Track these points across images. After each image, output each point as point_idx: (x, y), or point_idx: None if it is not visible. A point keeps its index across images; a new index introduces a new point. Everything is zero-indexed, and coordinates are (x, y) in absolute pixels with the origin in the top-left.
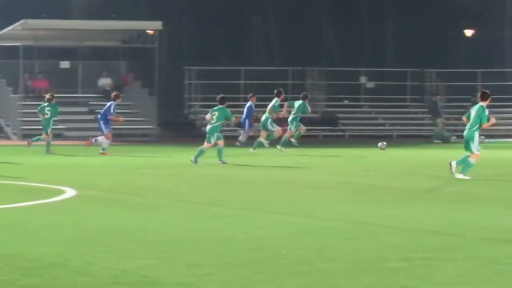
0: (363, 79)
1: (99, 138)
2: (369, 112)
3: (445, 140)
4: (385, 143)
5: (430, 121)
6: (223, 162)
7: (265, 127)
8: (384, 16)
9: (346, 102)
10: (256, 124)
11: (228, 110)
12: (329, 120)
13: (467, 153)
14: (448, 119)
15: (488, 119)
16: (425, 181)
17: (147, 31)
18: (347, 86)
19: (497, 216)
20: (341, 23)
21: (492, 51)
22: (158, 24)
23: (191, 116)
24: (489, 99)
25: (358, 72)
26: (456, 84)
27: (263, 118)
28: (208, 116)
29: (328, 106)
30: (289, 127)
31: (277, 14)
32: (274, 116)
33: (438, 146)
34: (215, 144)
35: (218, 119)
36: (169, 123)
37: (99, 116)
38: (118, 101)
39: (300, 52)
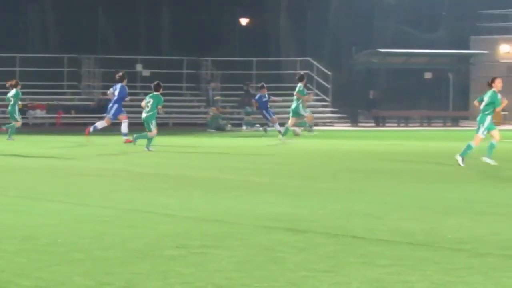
0: (139, 67)
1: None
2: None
3: (220, 129)
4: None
5: (206, 110)
6: (149, 150)
7: (297, 113)
8: (160, 4)
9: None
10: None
11: (162, 97)
12: (106, 108)
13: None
14: (224, 107)
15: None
16: (202, 169)
17: None
18: None
19: (272, 204)
20: (117, 10)
21: (267, 40)
22: None
23: None
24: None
25: (134, 60)
26: (231, 72)
27: (293, 105)
28: (143, 103)
29: (104, 94)
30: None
31: (53, 1)
32: (305, 100)
33: (214, 134)
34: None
35: (153, 106)
36: None
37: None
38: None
39: (76, 40)
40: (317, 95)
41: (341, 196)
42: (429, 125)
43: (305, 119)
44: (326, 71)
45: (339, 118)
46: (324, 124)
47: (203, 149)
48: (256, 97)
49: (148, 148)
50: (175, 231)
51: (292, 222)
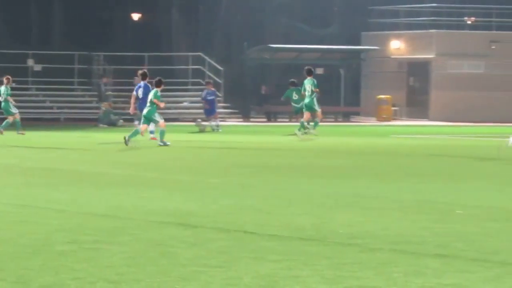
0: (30, 62)
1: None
2: (37, 95)
3: (111, 124)
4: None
5: (97, 105)
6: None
7: (311, 108)
8: None
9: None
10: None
11: (159, 93)
12: None
13: None
14: (115, 102)
15: None
16: (94, 164)
17: None
18: (14, 68)
19: (163, 199)
20: (9, 4)
21: (159, 35)
22: None
23: None
24: None
25: (25, 55)
26: (123, 67)
27: (307, 100)
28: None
29: None
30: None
31: None
32: (318, 92)
33: (106, 129)
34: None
35: (151, 101)
36: None
37: None
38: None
39: None
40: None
41: (232, 191)
42: (320, 121)
43: (317, 112)
44: (218, 66)
45: (231, 113)
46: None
47: (95, 145)
48: (203, 94)
49: (163, 143)
50: (67, 226)
51: (183, 217)
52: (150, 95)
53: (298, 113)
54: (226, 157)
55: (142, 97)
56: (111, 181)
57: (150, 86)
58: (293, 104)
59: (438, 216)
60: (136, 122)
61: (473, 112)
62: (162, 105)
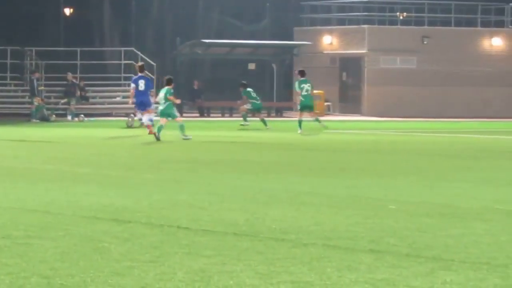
0: None
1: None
2: None
3: (44, 119)
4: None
5: (30, 100)
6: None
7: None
8: None
9: None
10: None
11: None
12: None
13: None
14: (48, 97)
15: None
16: (26, 160)
17: None
18: None
19: (96, 195)
20: None
21: (91, 30)
22: None
23: None
24: None
25: None
26: (55, 62)
27: (307, 99)
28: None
29: None
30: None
31: None
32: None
33: (38, 124)
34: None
35: (165, 98)
36: None
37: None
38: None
39: None
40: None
41: (165, 187)
42: (253, 116)
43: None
44: (150, 61)
45: None
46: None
47: (28, 140)
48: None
49: (185, 136)
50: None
51: (116, 213)
52: (162, 94)
53: (258, 111)
54: (159, 152)
55: (144, 89)
56: (43, 176)
57: (149, 79)
58: (252, 101)
59: (371, 212)
60: (69, 117)
61: (405, 107)
62: (178, 101)
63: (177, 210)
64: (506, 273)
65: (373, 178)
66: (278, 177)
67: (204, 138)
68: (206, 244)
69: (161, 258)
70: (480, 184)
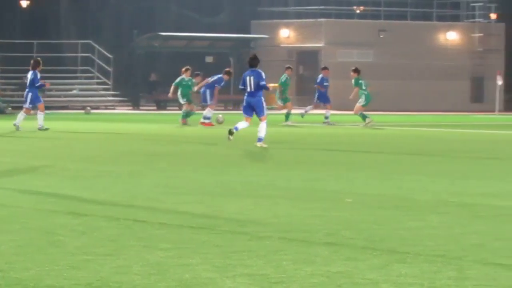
0: None
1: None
2: None
3: (0, 111)
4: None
5: None
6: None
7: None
8: None
9: None
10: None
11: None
12: None
13: None
14: (4, 90)
15: None
16: None
17: None
18: None
19: (52, 187)
20: None
21: (48, 23)
22: None
23: None
24: None
25: None
26: (12, 55)
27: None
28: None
29: None
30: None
31: None
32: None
33: None
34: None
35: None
36: None
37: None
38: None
39: None
40: (98, 78)
41: (122, 180)
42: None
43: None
44: (108, 54)
45: (120, 101)
46: (106, 108)
47: None
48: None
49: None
50: None
51: (73, 206)
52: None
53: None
54: (116, 145)
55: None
56: None
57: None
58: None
59: (328, 204)
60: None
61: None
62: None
63: (134, 203)
64: (461, 265)
65: (330, 171)
66: (235, 170)
67: (161, 131)
68: (162, 237)
69: (117, 251)
70: (436, 177)
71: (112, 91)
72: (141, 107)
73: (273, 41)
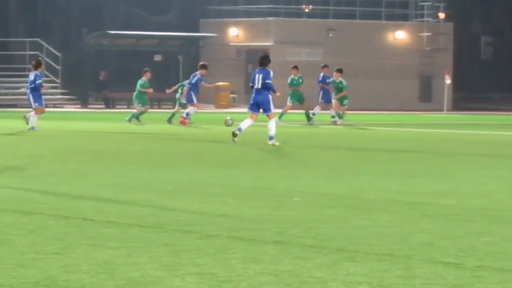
0: None
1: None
2: None
3: None
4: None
5: None
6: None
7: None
8: None
9: None
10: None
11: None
12: None
13: None
14: None
15: None
16: None
17: None
18: None
19: (0, 186)
20: None
21: None
22: None
23: None
24: None
25: None
26: None
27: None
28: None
29: None
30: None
31: None
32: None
33: None
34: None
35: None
36: None
37: None
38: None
39: None
40: (46, 76)
41: (70, 178)
42: (159, 107)
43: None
44: (56, 52)
45: (69, 99)
46: (54, 106)
47: None
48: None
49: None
50: None
51: (20, 204)
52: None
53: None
54: (64, 143)
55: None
56: None
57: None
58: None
59: (276, 203)
60: None
61: (310, 99)
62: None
63: (82, 201)
64: (409, 264)
65: (279, 170)
66: (183, 168)
67: (109, 130)
68: (111, 236)
69: (65, 249)
70: (385, 176)
71: (61, 89)
72: (89, 106)
73: (222, 39)
